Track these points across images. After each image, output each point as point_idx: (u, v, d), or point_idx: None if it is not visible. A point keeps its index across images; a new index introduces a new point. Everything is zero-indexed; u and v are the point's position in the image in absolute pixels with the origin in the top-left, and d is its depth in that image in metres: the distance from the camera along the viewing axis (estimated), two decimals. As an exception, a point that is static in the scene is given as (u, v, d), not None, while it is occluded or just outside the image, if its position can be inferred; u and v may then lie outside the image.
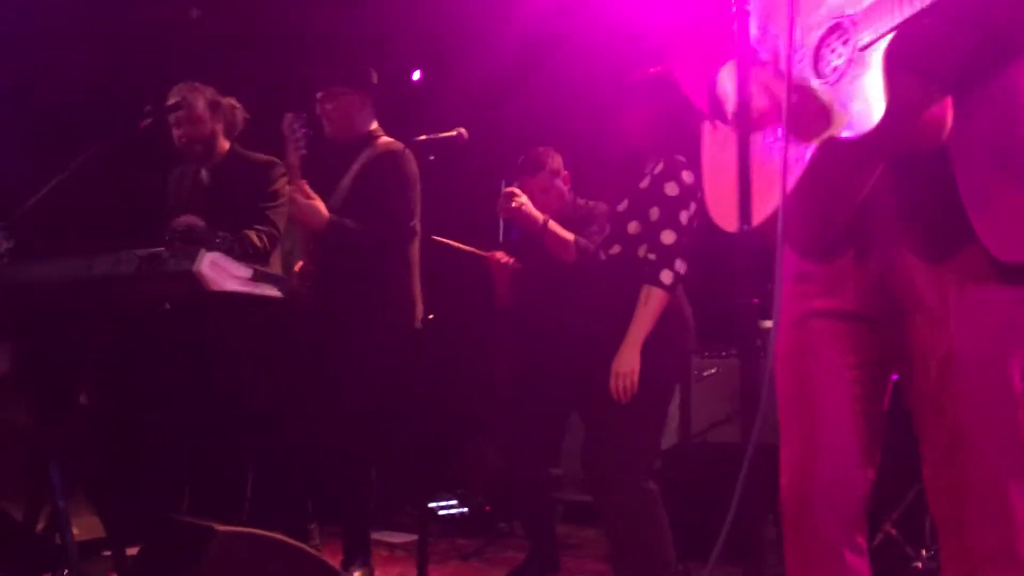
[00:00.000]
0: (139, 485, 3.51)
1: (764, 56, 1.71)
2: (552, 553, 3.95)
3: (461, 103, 5.17)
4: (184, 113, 3.65)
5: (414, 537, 4.46)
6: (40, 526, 3.04)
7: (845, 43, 1.56)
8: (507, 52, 5.46)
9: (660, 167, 3.05)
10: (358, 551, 3.60)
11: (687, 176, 3.00)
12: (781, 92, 1.59)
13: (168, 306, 3.58)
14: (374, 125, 3.78)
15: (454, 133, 3.34)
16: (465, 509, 5.37)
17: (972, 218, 1.52)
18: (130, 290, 2.94)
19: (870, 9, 1.50)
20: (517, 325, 3.93)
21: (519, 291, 3.85)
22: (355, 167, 3.69)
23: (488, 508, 5.24)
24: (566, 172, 3.88)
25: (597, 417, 3.08)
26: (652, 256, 2.99)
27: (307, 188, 3.45)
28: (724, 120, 1.80)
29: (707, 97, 1.81)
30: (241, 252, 3.21)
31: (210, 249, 2.79)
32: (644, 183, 3.08)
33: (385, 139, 3.73)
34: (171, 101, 3.60)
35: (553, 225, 3.44)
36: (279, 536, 2.60)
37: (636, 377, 2.94)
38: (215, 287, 2.76)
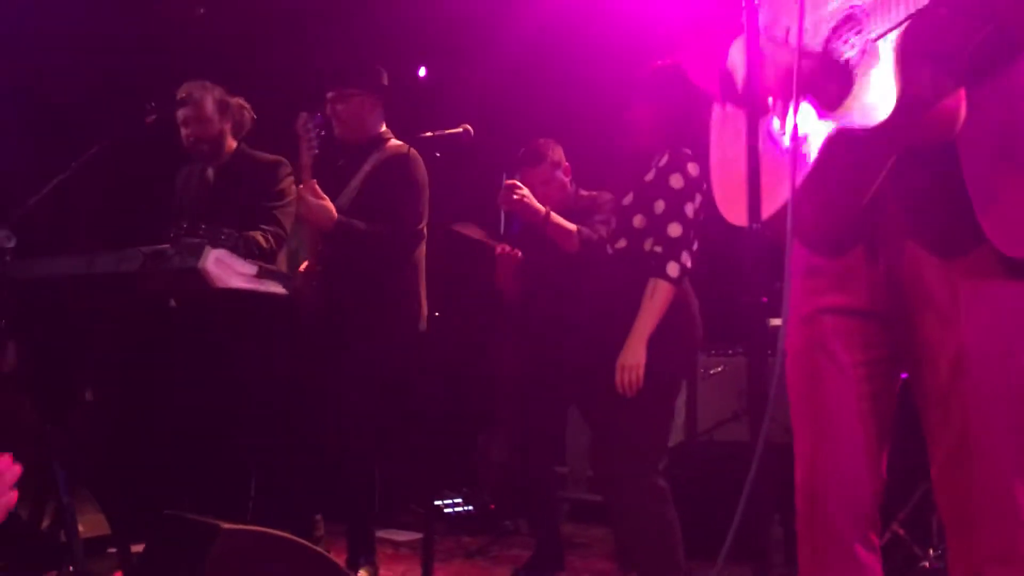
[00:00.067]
0: (144, 482, 3.51)
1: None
2: (557, 552, 3.94)
3: (467, 99, 5.17)
4: (192, 112, 3.65)
5: (419, 535, 4.47)
6: (45, 523, 3.04)
7: (858, 34, 1.55)
8: (513, 48, 5.45)
9: (665, 159, 3.04)
10: (363, 549, 3.60)
11: (692, 168, 2.98)
12: (792, 62, 1.57)
13: (173, 303, 3.59)
14: (383, 127, 3.78)
15: (459, 130, 3.33)
16: (470, 507, 5.37)
17: (978, 213, 1.50)
18: (135, 287, 2.95)
19: None
20: (521, 319, 3.92)
21: (523, 284, 3.84)
22: (364, 169, 3.69)
23: (493, 506, 5.24)
24: (567, 164, 3.87)
25: (604, 413, 3.06)
26: (658, 249, 2.97)
27: (317, 188, 3.45)
28: (735, 99, 1.79)
29: (717, 76, 1.80)
30: (247, 253, 3.21)
31: (215, 246, 2.79)
32: (649, 176, 3.06)
33: (395, 142, 3.73)
34: (179, 97, 3.60)
35: (555, 216, 3.44)
36: (284, 534, 2.60)
37: (642, 371, 2.92)
38: (220, 284, 2.77)
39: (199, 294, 3.03)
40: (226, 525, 2.45)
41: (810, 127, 1.62)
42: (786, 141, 1.64)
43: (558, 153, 3.85)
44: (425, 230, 3.71)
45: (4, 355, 3.31)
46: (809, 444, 1.74)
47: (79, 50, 5.00)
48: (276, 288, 3.05)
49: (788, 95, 1.58)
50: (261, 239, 3.49)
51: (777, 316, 1.56)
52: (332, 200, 3.52)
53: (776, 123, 1.74)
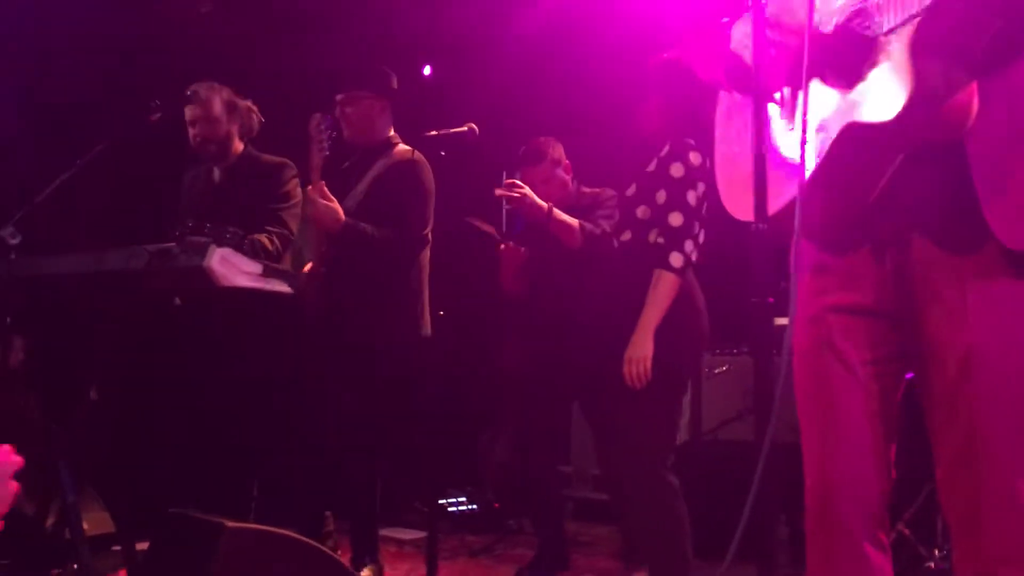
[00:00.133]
0: (148, 480, 3.51)
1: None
2: (562, 550, 3.94)
3: (471, 98, 5.16)
4: (201, 112, 3.65)
5: (423, 534, 4.46)
6: (50, 521, 3.04)
7: (868, 28, 1.54)
8: (517, 47, 5.44)
9: (666, 150, 3.02)
10: (366, 548, 3.60)
11: (695, 157, 2.97)
12: (799, 43, 1.56)
13: (178, 301, 3.59)
14: (391, 131, 3.78)
15: (464, 128, 3.33)
16: (474, 506, 5.37)
17: (984, 207, 1.49)
18: (140, 285, 2.95)
19: None
20: (525, 318, 3.92)
21: (532, 283, 3.83)
22: (372, 173, 3.70)
23: (497, 505, 5.24)
24: (567, 161, 3.86)
25: (612, 408, 3.05)
26: (661, 240, 2.96)
27: (326, 190, 3.45)
28: (742, 85, 1.77)
29: (722, 65, 1.79)
30: (252, 255, 3.20)
31: (220, 245, 2.79)
32: (651, 167, 3.05)
33: (402, 147, 3.73)
34: (186, 93, 3.59)
35: (558, 212, 3.44)
36: (288, 532, 2.60)
37: (649, 363, 2.91)
38: (225, 282, 2.76)
39: (204, 292, 3.02)
40: (231, 524, 2.45)
41: (818, 123, 1.62)
42: (794, 137, 1.63)
43: (558, 151, 3.84)
44: (430, 235, 3.71)
45: (9, 353, 3.31)
46: (817, 443, 1.73)
47: (83, 49, 5.01)
48: (281, 287, 3.05)
49: (798, 81, 1.57)
50: (266, 241, 3.49)
51: (783, 316, 1.56)
52: (338, 202, 3.52)
53: (783, 120, 1.73)
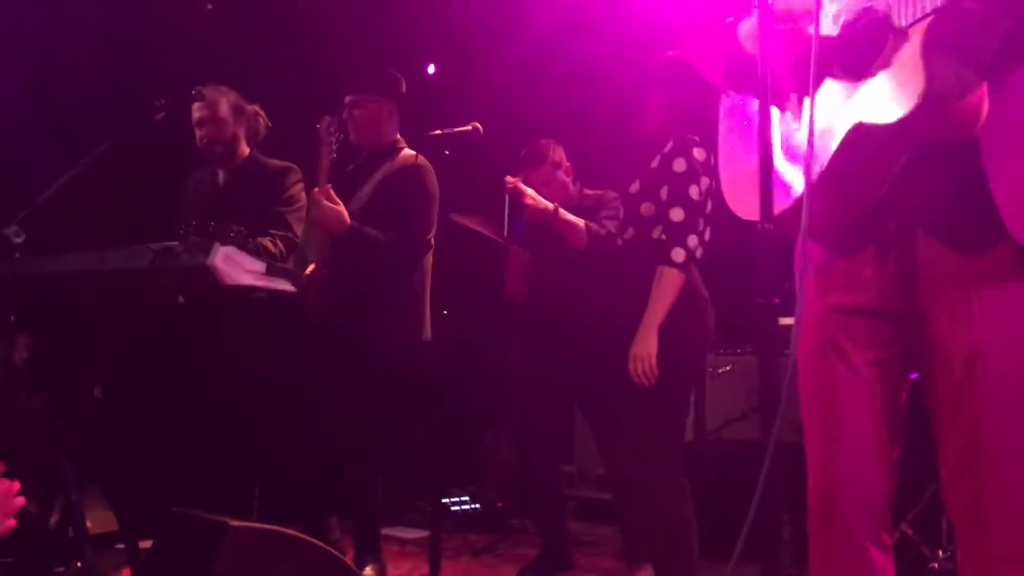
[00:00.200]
0: (152, 479, 3.51)
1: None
2: (565, 550, 3.93)
3: (476, 97, 5.16)
4: (208, 114, 3.66)
5: (426, 533, 4.47)
6: (54, 519, 3.05)
7: (878, 27, 1.53)
8: (522, 45, 5.44)
9: (669, 146, 3.02)
10: (369, 547, 3.60)
11: (698, 152, 2.95)
12: (806, 40, 1.55)
13: (182, 300, 3.59)
14: (398, 135, 3.78)
15: (469, 128, 3.33)
16: (477, 505, 5.37)
17: (1000, 205, 1.48)
18: (144, 284, 2.95)
19: None
20: (528, 319, 3.92)
21: (535, 285, 3.83)
22: (376, 176, 3.70)
23: (500, 504, 5.24)
24: (568, 164, 3.86)
25: (617, 407, 3.04)
26: (663, 237, 2.95)
27: (332, 192, 3.45)
28: (743, 82, 1.77)
29: (725, 64, 1.78)
30: (256, 256, 3.20)
31: (224, 243, 2.79)
32: (654, 163, 3.04)
33: (407, 151, 3.74)
34: (192, 92, 3.60)
35: (563, 212, 3.44)
36: (292, 532, 2.60)
37: (654, 360, 2.89)
38: (229, 281, 2.76)
39: (208, 291, 3.03)
40: (235, 523, 2.45)
41: (825, 123, 1.61)
42: (799, 136, 1.63)
43: (559, 154, 3.84)
44: (433, 240, 3.71)
45: (13, 351, 3.31)
46: (821, 444, 1.73)
47: (88, 48, 5.01)
48: (285, 286, 3.05)
49: (805, 79, 1.56)
50: (270, 244, 3.49)
51: (788, 316, 1.55)
52: (343, 205, 3.52)
53: (788, 119, 1.73)
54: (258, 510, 3.53)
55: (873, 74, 1.53)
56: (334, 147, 3.47)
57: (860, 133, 1.55)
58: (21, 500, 1.47)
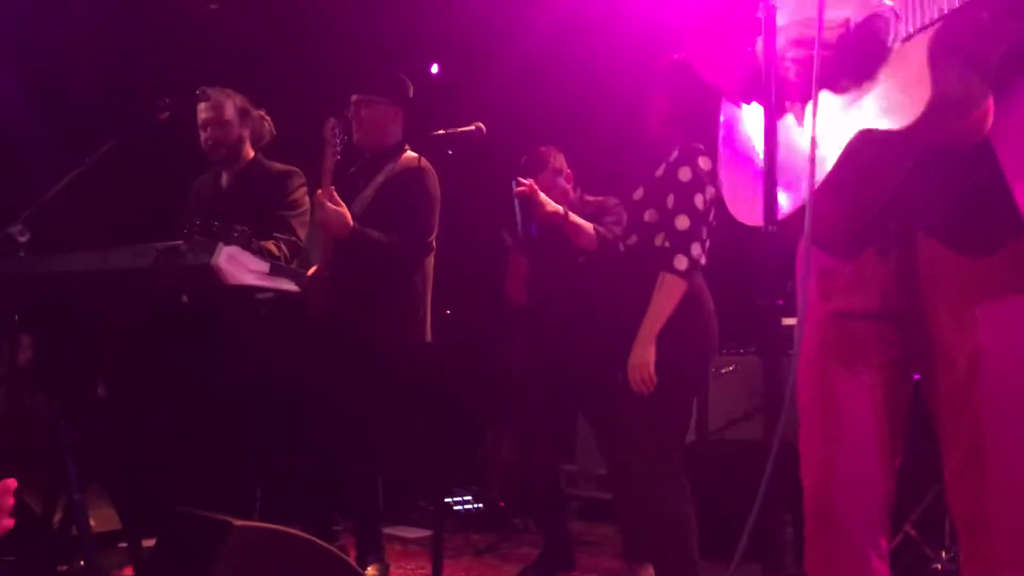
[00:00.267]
0: (155, 477, 3.52)
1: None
2: (567, 550, 3.94)
3: (479, 97, 5.17)
4: (213, 116, 3.67)
5: (428, 532, 4.47)
6: (57, 518, 3.05)
7: (884, 33, 1.52)
8: (526, 46, 5.45)
9: (675, 155, 3.02)
10: (372, 546, 3.60)
11: (703, 162, 2.96)
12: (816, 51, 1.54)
13: (185, 299, 3.59)
14: (401, 138, 3.78)
15: (472, 128, 3.33)
16: (480, 505, 5.37)
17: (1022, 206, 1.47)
18: (148, 283, 2.95)
19: None
20: (531, 321, 3.92)
21: (536, 288, 3.84)
22: (379, 178, 3.70)
23: (502, 504, 5.24)
24: (569, 171, 3.87)
25: (618, 409, 3.05)
26: (667, 244, 2.95)
27: (335, 195, 3.46)
28: (758, 92, 1.76)
29: (735, 71, 1.78)
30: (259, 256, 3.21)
31: (228, 243, 2.79)
32: (659, 172, 3.05)
33: (410, 153, 3.74)
34: (196, 92, 3.60)
35: (573, 216, 3.45)
36: (294, 531, 2.60)
37: (651, 369, 2.90)
38: (233, 281, 2.77)
39: (211, 290, 3.03)
40: (238, 522, 2.45)
41: (829, 128, 1.61)
42: (803, 142, 1.62)
43: (560, 160, 3.85)
44: (435, 242, 3.72)
45: (18, 350, 3.32)
46: (820, 449, 1.72)
47: (92, 48, 5.02)
48: (288, 286, 3.05)
49: (810, 87, 1.55)
50: (274, 248, 3.49)
51: (791, 316, 1.55)
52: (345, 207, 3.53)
53: (791, 122, 1.73)
54: (261, 509, 3.53)
55: (879, 80, 1.53)
56: (338, 149, 3.47)
57: (865, 139, 1.54)
58: (11, 500, 1.48)
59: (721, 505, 3.81)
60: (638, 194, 3.09)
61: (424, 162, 3.65)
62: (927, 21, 1.44)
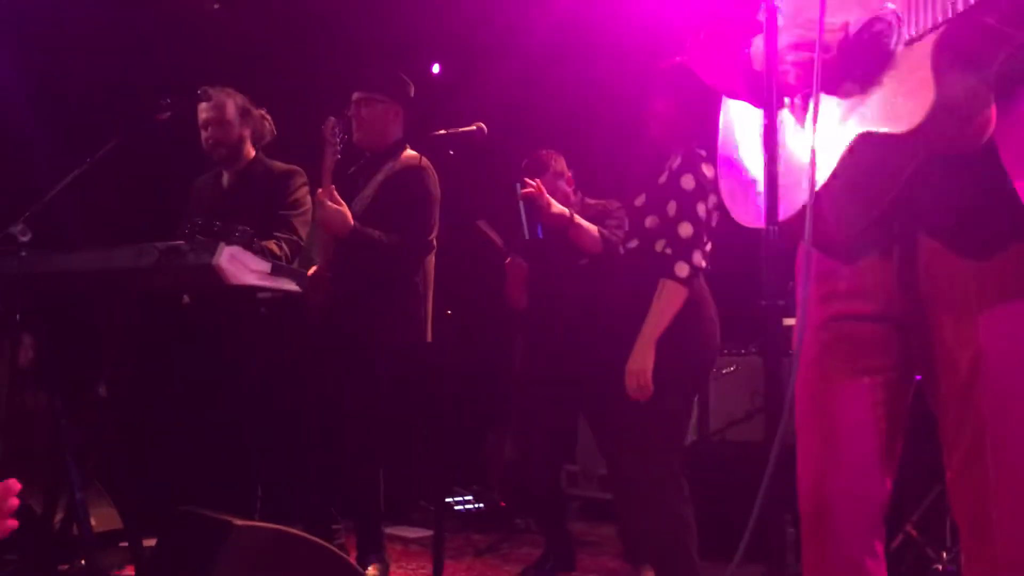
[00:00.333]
0: (156, 477, 3.52)
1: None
2: (568, 550, 3.94)
3: (481, 97, 5.16)
4: (214, 115, 3.67)
5: (429, 532, 4.47)
6: (58, 517, 3.05)
7: (887, 37, 1.52)
8: (528, 46, 5.44)
9: (678, 162, 3.03)
10: (372, 546, 3.60)
11: (707, 169, 2.96)
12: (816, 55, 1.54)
13: (187, 299, 3.60)
14: (401, 137, 3.78)
15: (473, 128, 3.33)
16: (481, 505, 5.37)
17: None
18: (149, 283, 2.95)
19: (920, 2, 1.45)
20: (531, 322, 3.92)
21: (536, 291, 3.84)
22: (378, 177, 3.70)
23: (504, 504, 5.24)
24: (569, 174, 3.87)
25: (618, 410, 3.05)
26: (668, 250, 2.96)
27: (335, 194, 3.46)
28: (756, 96, 1.75)
29: (734, 72, 1.77)
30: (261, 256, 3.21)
31: (229, 243, 2.79)
32: (662, 178, 3.05)
33: (410, 152, 3.74)
34: (197, 92, 3.61)
35: (579, 219, 3.45)
36: (295, 531, 2.60)
37: (649, 376, 2.90)
38: (234, 280, 2.77)
39: (213, 290, 3.03)
40: (239, 522, 2.45)
41: (831, 131, 1.61)
42: (804, 144, 1.62)
43: (560, 164, 3.85)
44: (435, 241, 3.72)
45: (19, 350, 3.32)
46: (817, 453, 1.71)
47: (94, 47, 5.02)
48: (290, 286, 3.05)
49: (811, 89, 1.55)
50: (275, 248, 3.49)
51: (792, 317, 1.55)
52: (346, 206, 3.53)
53: (792, 124, 1.72)
54: (261, 509, 3.54)
55: (882, 84, 1.52)
56: (338, 148, 3.47)
57: (867, 142, 1.54)
58: (16, 501, 1.47)
59: (722, 506, 3.82)
60: (640, 200, 3.09)
61: (424, 161, 3.65)
62: (930, 25, 1.44)
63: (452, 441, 5.15)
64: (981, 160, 1.49)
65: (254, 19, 5.43)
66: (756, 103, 1.78)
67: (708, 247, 3.00)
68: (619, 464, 3.11)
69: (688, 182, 2.97)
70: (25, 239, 2.89)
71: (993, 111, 1.44)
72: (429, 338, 3.67)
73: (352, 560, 3.11)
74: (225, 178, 3.79)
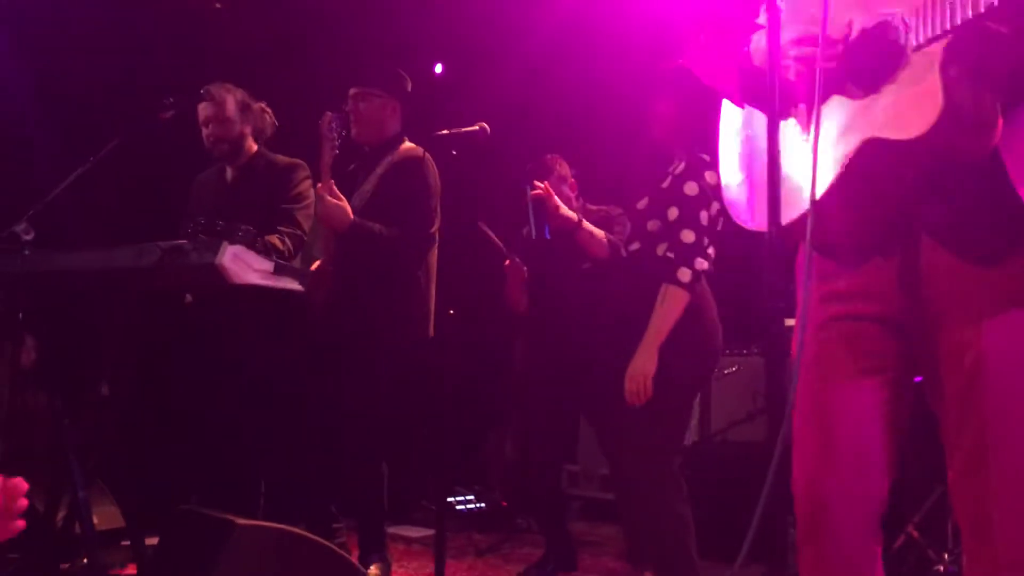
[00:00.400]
0: (158, 476, 3.53)
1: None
2: (569, 551, 3.94)
3: (484, 97, 5.16)
4: (214, 112, 3.67)
5: (430, 532, 4.48)
6: (60, 515, 3.06)
7: (894, 43, 1.52)
8: (531, 46, 5.45)
9: (681, 167, 3.03)
10: (375, 545, 3.61)
11: (710, 176, 2.97)
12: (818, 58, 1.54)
13: (189, 298, 3.60)
14: (399, 131, 3.78)
15: (476, 128, 3.33)
16: (482, 504, 5.38)
17: None
18: (152, 282, 2.95)
19: (928, 8, 1.45)
20: (532, 324, 3.92)
21: (537, 292, 3.84)
22: (377, 171, 3.70)
23: (505, 504, 5.24)
24: (573, 180, 3.87)
25: (619, 416, 3.05)
26: (671, 255, 2.96)
27: (335, 188, 3.46)
28: (755, 96, 1.75)
29: (734, 72, 1.77)
30: (264, 255, 3.21)
31: (232, 242, 2.79)
32: (665, 183, 3.06)
33: (408, 145, 3.74)
34: (200, 92, 3.61)
35: (587, 224, 3.46)
36: (297, 530, 2.60)
37: (650, 381, 2.91)
38: (237, 280, 2.76)
39: (215, 290, 3.03)
40: (241, 521, 2.46)
41: (835, 136, 1.60)
42: (806, 149, 1.62)
43: (565, 168, 3.86)
44: (437, 234, 3.71)
45: (21, 349, 3.32)
46: (816, 451, 1.71)
47: (97, 47, 5.02)
48: (292, 285, 3.05)
49: (814, 94, 1.55)
50: (278, 242, 3.49)
51: (794, 317, 1.55)
52: (346, 201, 3.53)
53: (794, 127, 1.72)
54: (263, 508, 3.54)
55: (889, 89, 1.52)
56: (336, 143, 3.47)
57: (873, 148, 1.54)
58: (25, 502, 1.48)
59: (723, 506, 3.82)
60: (642, 203, 3.09)
61: (423, 152, 3.64)
62: (938, 32, 1.43)
63: (454, 441, 5.15)
64: (987, 166, 1.49)
65: (257, 19, 5.43)
66: (756, 105, 1.78)
67: (711, 251, 3.00)
68: (619, 464, 3.11)
69: (691, 188, 2.97)
70: (28, 238, 2.90)
71: (1000, 120, 1.44)
72: (431, 332, 3.66)
73: (354, 559, 3.12)
74: (228, 173, 3.79)
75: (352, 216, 3.47)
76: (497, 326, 4.86)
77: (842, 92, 1.62)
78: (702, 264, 2.95)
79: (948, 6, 1.41)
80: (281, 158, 3.78)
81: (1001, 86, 1.44)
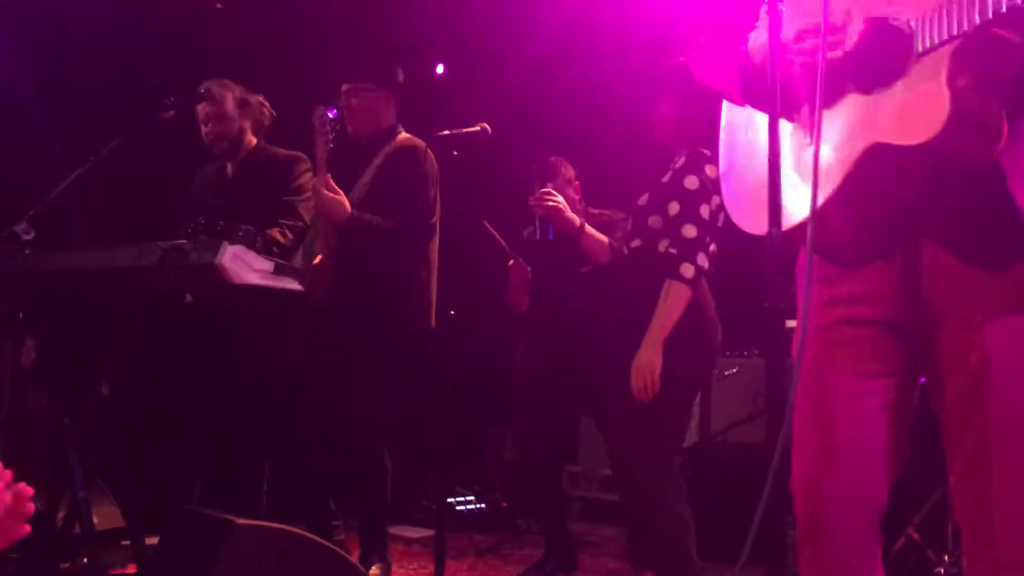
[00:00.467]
0: (158, 476, 3.52)
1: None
2: (569, 551, 3.94)
3: (485, 97, 5.16)
4: (213, 110, 3.67)
5: (431, 532, 4.47)
6: (60, 515, 3.06)
7: (900, 46, 1.52)
8: (532, 46, 5.44)
9: (682, 162, 3.03)
10: (375, 545, 3.60)
11: (710, 170, 2.97)
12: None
13: (189, 298, 3.60)
14: (394, 122, 3.78)
15: (477, 128, 3.33)
16: (482, 505, 5.37)
17: None
18: (152, 282, 2.96)
19: (935, 12, 1.45)
20: (533, 324, 3.92)
21: (539, 292, 3.84)
22: (375, 163, 3.70)
23: (505, 504, 5.24)
24: (577, 182, 3.87)
25: (621, 414, 3.05)
26: (673, 251, 2.96)
27: (331, 182, 3.46)
28: (756, 96, 1.75)
29: (734, 72, 1.77)
30: (265, 251, 3.21)
31: (232, 242, 2.79)
32: (665, 178, 3.05)
33: (404, 135, 3.73)
34: (198, 91, 3.61)
35: (589, 228, 3.46)
36: (298, 530, 2.60)
37: (657, 375, 2.91)
38: (237, 280, 2.77)
39: (216, 290, 3.04)
40: (241, 521, 2.46)
41: (838, 140, 1.60)
42: (808, 152, 1.61)
43: (569, 171, 3.86)
44: (437, 225, 3.71)
45: (22, 348, 3.33)
46: (816, 453, 1.71)
47: (97, 46, 5.02)
48: (292, 284, 3.06)
49: (826, 82, 1.54)
50: (279, 235, 3.50)
51: (795, 318, 1.54)
52: (344, 195, 3.52)
53: (796, 129, 1.72)
54: (264, 508, 3.54)
55: (895, 94, 1.51)
56: (330, 136, 3.46)
57: (877, 153, 1.53)
58: (32, 506, 1.48)
59: (724, 507, 3.81)
60: (643, 199, 3.09)
61: (418, 141, 3.63)
62: (945, 36, 1.43)
63: (454, 441, 5.16)
64: (989, 174, 1.49)
65: (258, 19, 5.43)
66: (756, 105, 1.78)
67: (712, 248, 3.00)
68: (619, 464, 3.12)
69: (692, 183, 2.97)
70: (29, 238, 2.90)
71: (1005, 125, 1.44)
72: (433, 324, 3.65)
73: (354, 559, 3.12)
74: (229, 168, 3.79)
75: (349, 209, 3.46)
76: (497, 326, 4.85)
77: (846, 93, 1.61)
78: (704, 260, 2.95)
79: (955, 10, 1.41)
80: (281, 151, 3.78)
81: (1005, 92, 1.44)
